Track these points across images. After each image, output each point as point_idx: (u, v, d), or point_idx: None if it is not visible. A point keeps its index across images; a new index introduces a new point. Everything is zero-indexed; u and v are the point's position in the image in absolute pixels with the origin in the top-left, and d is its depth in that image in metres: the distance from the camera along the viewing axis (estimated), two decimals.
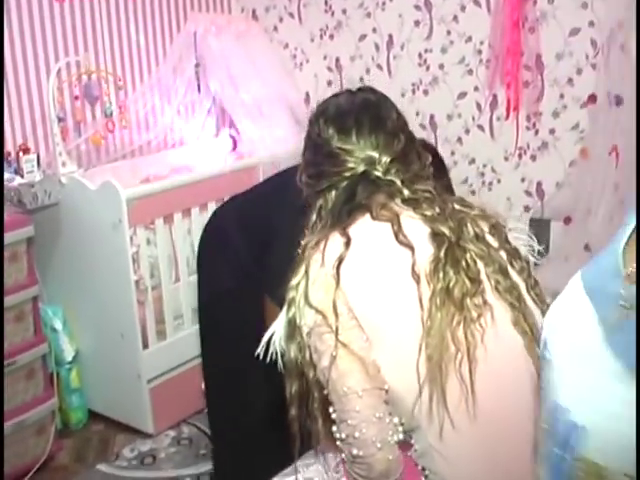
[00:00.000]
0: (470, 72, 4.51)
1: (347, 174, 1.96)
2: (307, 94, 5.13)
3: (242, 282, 3.16)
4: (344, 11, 4.85)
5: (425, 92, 4.65)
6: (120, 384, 4.18)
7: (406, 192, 1.94)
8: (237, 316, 3.22)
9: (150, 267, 4.11)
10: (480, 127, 4.56)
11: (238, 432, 3.22)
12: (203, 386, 3.64)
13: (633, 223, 1.42)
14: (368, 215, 1.92)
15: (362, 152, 1.97)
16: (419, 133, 4.55)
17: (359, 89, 2.16)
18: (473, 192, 4.66)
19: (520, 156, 4.46)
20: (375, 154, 1.96)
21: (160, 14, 4.83)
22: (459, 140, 4.65)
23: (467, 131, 4.61)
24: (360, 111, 2.04)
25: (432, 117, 4.69)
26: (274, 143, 4.62)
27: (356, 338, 1.79)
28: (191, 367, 4.24)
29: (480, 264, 1.88)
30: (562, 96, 4.26)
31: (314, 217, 2.00)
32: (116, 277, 3.96)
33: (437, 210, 1.92)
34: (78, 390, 4.27)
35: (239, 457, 3.24)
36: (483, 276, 1.87)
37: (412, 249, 1.82)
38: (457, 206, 2.00)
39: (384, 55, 4.77)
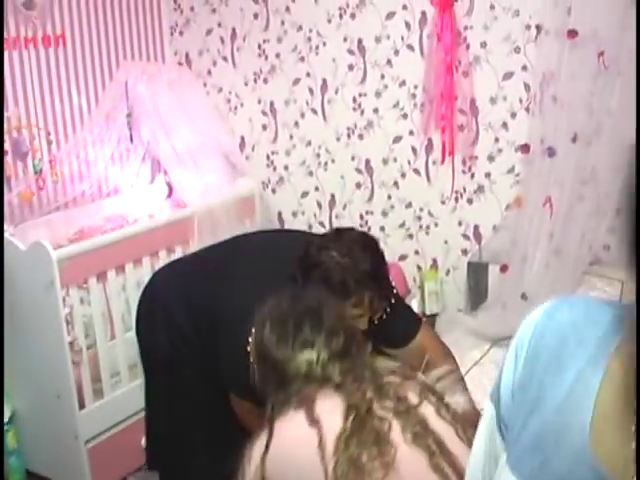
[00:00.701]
0: (405, 116, 4.49)
1: (290, 381, 2.13)
2: (242, 138, 5.08)
3: (182, 351, 3.14)
4: (278, 55, 4.81)
5: (360, 136, 4.62)
6: (58, 445, 4.11)
7: (337, 379, 2.10)
8: (178, 384, 3.20)
9: (84, 327, 4.03)
10: (416, 171, 4.54)
11: None
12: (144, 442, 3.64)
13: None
14: (292, 408, 2.06)
15: (302, 357, 2.14)
16: (355, 177, 4.59)
17: (302, 291, 2.46)
18: (411, 236, 4.65)
19: (456, 200, 4.45)
20: (313, 356, 2.13)
21: (92, 64, 4.76)
22: (395, 184, 4.63)
23: (403, 175, 4.59)
24: (300, 318, 2.20)
25: (368, 161, 4.66)
26: (209, 191, 4.57)
27: None
28: (130, 424, 4.20)
29: (395, 422, 1.99)
30: (497, 140, 4.26)
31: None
32: (49, 338, 3.88)
33: (361, 385, 2.08)
34: (15, 451, 4.19)
35: None
36: (397, 434, 1.97)
37: (319, 427, 1.95)
38: (388, 377, 2.15)
39: (318, 99, 4.74)
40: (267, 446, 1.98)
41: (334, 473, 1.88)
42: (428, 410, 2.06)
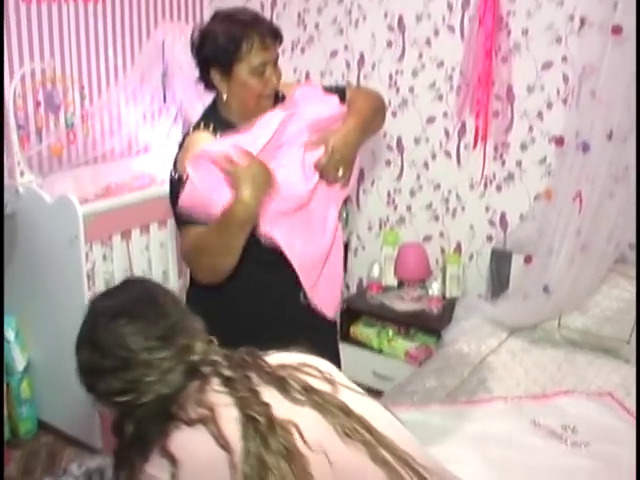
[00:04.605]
0: (440, 98, 4.47)
1: (170, 376, 1.86)
2: None
3: None
4: (317, 25, 4.78)
5: (394, 114, 4.59)
6: (70, 398, 4.10)
7: (227, 372, 1.88)
8: None
9: (105, 283, 4.02)
10: (447, 153, 4.53)
11: None
12: None
13: None
14: (182, 424, 1.80)
15: (174, 349, 1.88)
16: (385, 154, 4.57)
17: (122, 287, 2.07)
18: (437, 218, 4.64)
19: (485, 185, 4.44)
20: (187, 342, 1.90)
21: (130, 21, 4.75)
22: (425, 165, 4.62)
23: (434, 156, 4.58)
24: (150, 305, 1.94)
25: (399, 139, 4.65)
26: None
27: None
28: None
29: (317, 416, 1.83)
30: (531, 129, 4.24)
31: (129, 438, 1.87)
32: (70, 292, 3.90)
33: (253, 382, 1.87)
34: (28, 401, 4.23)
35: None
36: (323, 427, 1.82)
37: (230, 452, 1.74)
38: (275, 366, 1.94)
39: (355, 73, 4.72)
40: (174, 476, 1.74)
41: None
42: (344, 394, 1.92)
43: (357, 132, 2.95)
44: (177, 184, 2.78)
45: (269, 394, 1.84)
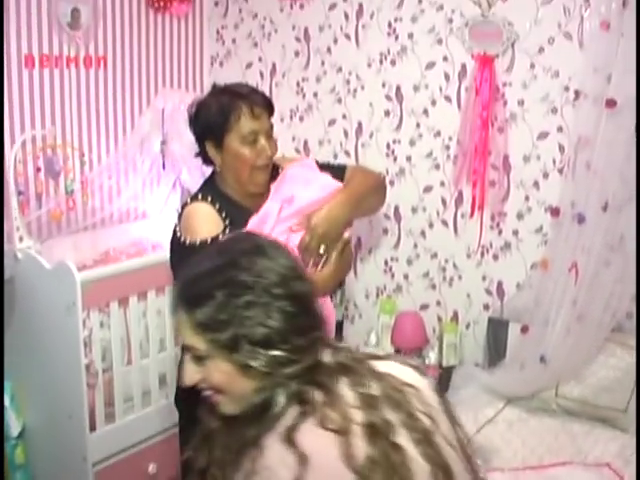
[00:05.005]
0: (437, 167, 4.50)
1: (306, 357, 1.75)
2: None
3: None
4: (315, 94, 4.84)
5: (391, 183, 4.60)
6: (65, 464, 4.09)
7: (354, 369, 1.78)
8: None
9: (102, 350, 4.02)
10: (444, 222, 4.55)
11: None
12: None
13: None
14: (316, 422, 1.67)
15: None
16: (382, 223, 4.58)
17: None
18: (434, 287, 4.65)
19: (482, 254, 4.46)
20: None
21: (131, 88, 4.81)
22: (422, 234, 4.63)
23: (431, 225, 4.60)
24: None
25: (397, 208, 4.67)
26: None
27: None
28: (139, 450, 4.19)
29: (415, 454, 1.71)
30: (527, 198, 4.27)
31: (282, 403, 1.73)
32: (66, 359, 3.88)
33: (378, 399, 1.74)
34: (22, 467, 4.19)
35: None
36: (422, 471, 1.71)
37: (359, 476, 1.62)
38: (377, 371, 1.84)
39: (352, 142, 4.76)
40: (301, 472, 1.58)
41: None
42: (439, 443, 1.76)
43: (342, 208, 2.98)
44: (183, 249, 2.86)
45: (392, 416, 1.72)
